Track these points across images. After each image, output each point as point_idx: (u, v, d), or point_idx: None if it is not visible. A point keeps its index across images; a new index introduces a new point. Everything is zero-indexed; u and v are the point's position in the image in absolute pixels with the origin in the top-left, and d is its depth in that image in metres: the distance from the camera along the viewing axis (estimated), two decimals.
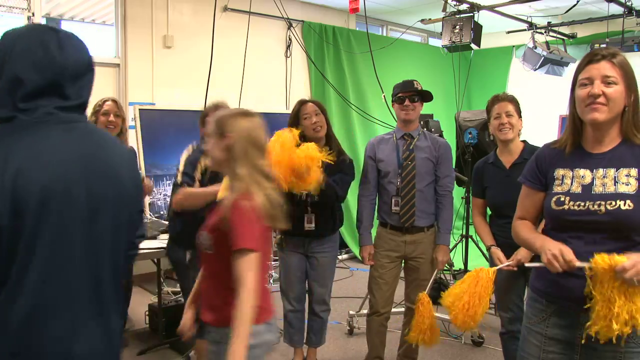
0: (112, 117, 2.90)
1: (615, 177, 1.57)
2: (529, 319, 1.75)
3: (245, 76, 4.16)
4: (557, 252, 1.51)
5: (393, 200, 2.94)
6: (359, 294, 4.82)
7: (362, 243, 3.06)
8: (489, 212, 2.82)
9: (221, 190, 2.19)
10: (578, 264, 1.51)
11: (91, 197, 1.28)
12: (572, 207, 1.59)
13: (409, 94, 2.89)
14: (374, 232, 3.10)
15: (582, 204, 1.58)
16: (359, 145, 6.45)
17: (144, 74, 5.20)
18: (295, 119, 2.98)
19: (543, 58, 6.23)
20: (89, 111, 3.03)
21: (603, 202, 1.55)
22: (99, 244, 1.31)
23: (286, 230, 3.01)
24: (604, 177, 1.58)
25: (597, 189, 1.57)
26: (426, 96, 2.96)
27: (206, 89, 3.74)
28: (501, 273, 2.66)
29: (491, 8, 5.72)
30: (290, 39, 6.28)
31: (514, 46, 7.72)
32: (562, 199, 1.62)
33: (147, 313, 3.97)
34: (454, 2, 5.41)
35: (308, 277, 3.15)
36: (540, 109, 6.74)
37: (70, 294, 1.26)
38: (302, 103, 3.00)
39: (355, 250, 6.21)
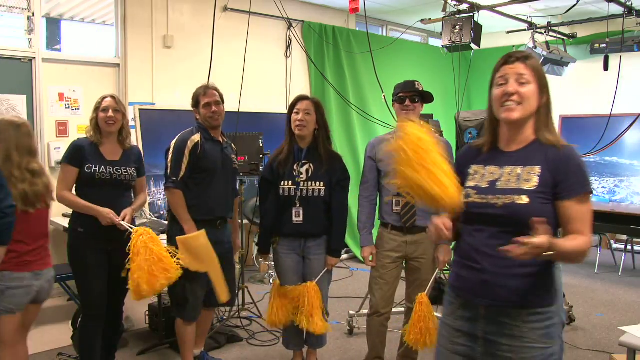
0: (110, 113, 2.90)
1: (520, 174, 1.64)
2: (443, 312, 1.82)
3: (245, 76, 4.15)
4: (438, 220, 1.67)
5: (394, 201, 2.94)
6: (359, 294, 4.82)
7: (363, 244, 3.06)
8: None
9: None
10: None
11: None
12: (475, 200, 1.67)
13: (409, 94, 2.89)
14: (375, 232, 3.10)
15: (485, 197, 1.65)
16: (359, 145, 6.45)
17: (144, 74, 5.20)
18: (290, 112, 3.06)
19: (543, 58, 6.22)
20: (90, 109, 3.06)
21: (502, 196, 1.62)
22: None
23: (279, 230, 3.06)
24: (510, 173, 1.65)
25: (501, 184, 1.65)
26: (427, 97, 2.96)
27: (208, 78, 3.73)
28: None
29: (491, 8, 5.71)
30: (290, 39, 6.28)
31: (514, 46, 7.69)
32: (470, 192, 1.70)
33: (147, 313, 3.97)
34: (454, 2, 5.40)
35: (304, 279, 3.10)
36: None
37: None
38: (299, 99, 3.06)
39: (356, 251, 6.21)
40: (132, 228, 2.79)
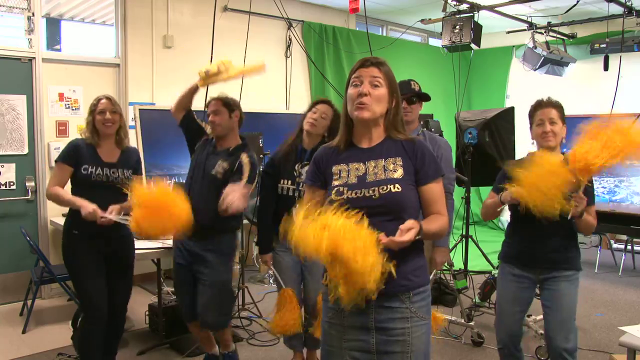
0: (108, 115, 2.82)
1: (384, 165, 1.78)
2: (326, 314, 1.85)
3: (245, 76, 4.15)
4: None
5: None
6: None
7: None
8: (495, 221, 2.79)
9: None
10: None
11: None
12: (350, 196, 1.75)
13: (406, 96, 2.87)
14: None
15: (359, 191, 1.75)
16: None
17: (144, 74, 5.20)
18: (308, 109, 3.03)
19: (543, 58, 6.23)
20: (85, 111, 3.03)
21: (376, 188, 1.74)
22: None
23: (277, 230, 2.99)
24: (375, 167, 1.79)
25: (370, 177, 1.77)
26: (424, 96, 2.94)
27: (206, 89, 3.72)
28: (506, 285, 2.66)
29: (491, 8, 5.72)
30: (290, 39, 6.29)
31: (514, 46, 7.72)
32: (342, 189, 1.78)
33: (147, 313, 3.97)
34: (454, 2, 5.41)
35: (303, 279, 3.05)
36: None
37: None
38: (322, 101, 3.04)
39: None
40: (123, 221, 2.65)
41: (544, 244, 2.51)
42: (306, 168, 2.96)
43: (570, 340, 2.51)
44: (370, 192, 1.73)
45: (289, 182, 2.97)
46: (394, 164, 1.78)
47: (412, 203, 1.76)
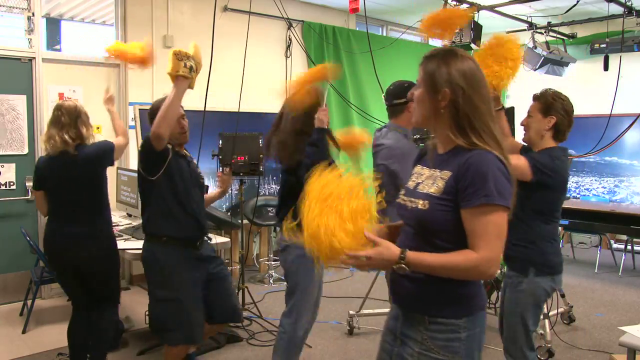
0: None
1: (435, 177, 1.58)
2: None
3: (245, 76, 4.15)
4: None
5: None
6: (359, 294, 4.81)
7: None
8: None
9: None
10: None
11: None
12: (399, 201, 1.68)
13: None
14: None
15: (406, 199, 1.65)
16: None
17: (144, 74, 5.18)
18: (280, 119, 3.07)
19: (543, 58, 6.23)
20: (90, 110, 3.05)
21: (414, 199, 1.60)
22: None
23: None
24: (428, 177, 1.61)
25: (421, 187, 1.61)
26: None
27: (206, 89, 3.72)
28: (504, 286, 2.59)
29: (491, 8, 5.72)
30: (290, 39, 6.28)
31: None
32: (403, 192, 1.70)
33: (147, 313, 3.97)
34: (454, 2, 5.41)
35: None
36: None
37: None
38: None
39: None
40: None
41: (508, 240, 2.42)
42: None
43: (511, 350, 2.48)
44: (409, 202, 1.61)
45: None
46: (441, 178, 1.55)
47: (442, 226, 1.52)
